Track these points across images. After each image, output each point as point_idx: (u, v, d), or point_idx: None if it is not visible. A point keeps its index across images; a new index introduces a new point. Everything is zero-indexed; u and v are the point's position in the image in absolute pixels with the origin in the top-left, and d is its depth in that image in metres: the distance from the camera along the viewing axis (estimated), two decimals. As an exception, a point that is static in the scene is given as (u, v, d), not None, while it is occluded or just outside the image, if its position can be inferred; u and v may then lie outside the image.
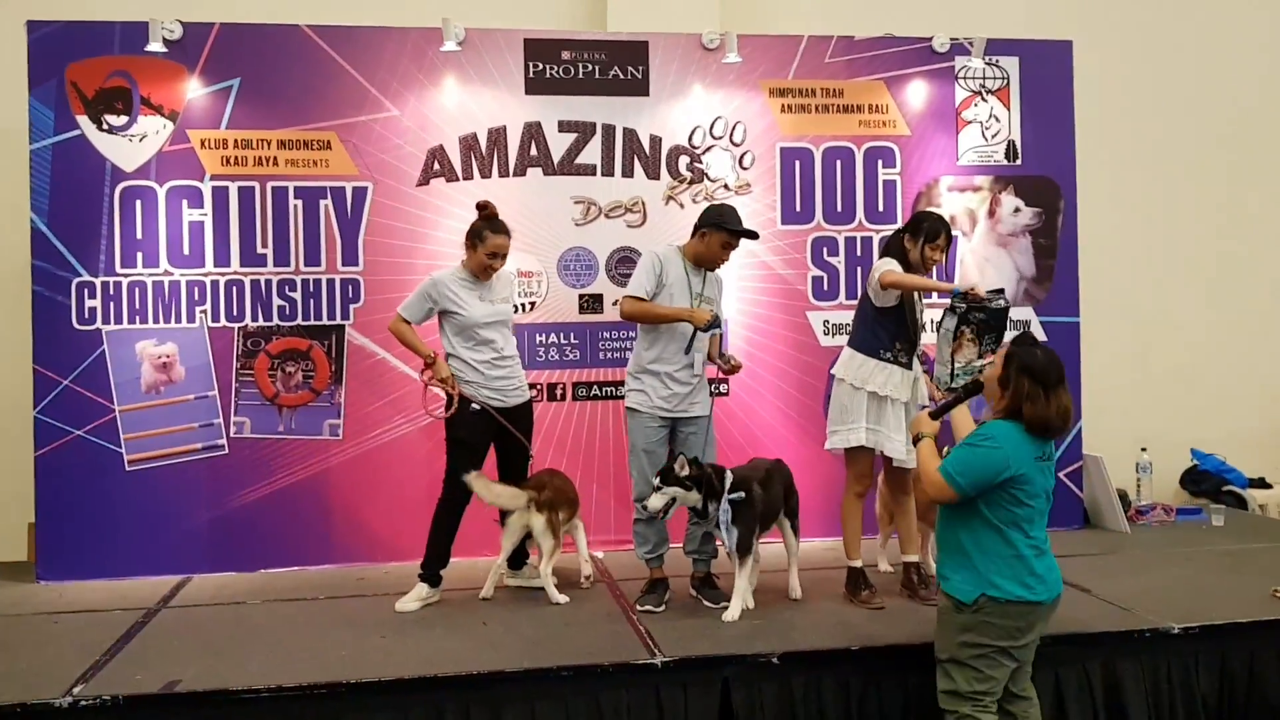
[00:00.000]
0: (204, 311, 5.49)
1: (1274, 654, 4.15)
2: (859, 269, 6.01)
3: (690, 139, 5.91)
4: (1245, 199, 7.30)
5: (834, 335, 5.91)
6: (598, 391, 5.81)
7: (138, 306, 5.43)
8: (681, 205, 5.86)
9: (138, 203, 5.43)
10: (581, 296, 5.82)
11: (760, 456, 4.92)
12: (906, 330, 4.64)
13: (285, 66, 5.54)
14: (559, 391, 5.79)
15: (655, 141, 5.87)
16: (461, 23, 5.62)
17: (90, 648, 4.09)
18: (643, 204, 5.86)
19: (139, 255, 5.43)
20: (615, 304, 4.72)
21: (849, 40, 6.05)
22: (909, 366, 4.65)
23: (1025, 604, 3.37)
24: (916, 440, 3.67)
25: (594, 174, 5.82)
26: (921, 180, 6.13)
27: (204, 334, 5.49)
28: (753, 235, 4.75)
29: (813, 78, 6.01)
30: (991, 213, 6.19)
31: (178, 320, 5.48)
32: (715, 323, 4.55)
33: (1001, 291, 4.54)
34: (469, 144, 5.70)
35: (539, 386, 5.75)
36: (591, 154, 5.81)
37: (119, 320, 5.41)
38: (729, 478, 4.36)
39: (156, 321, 5.46)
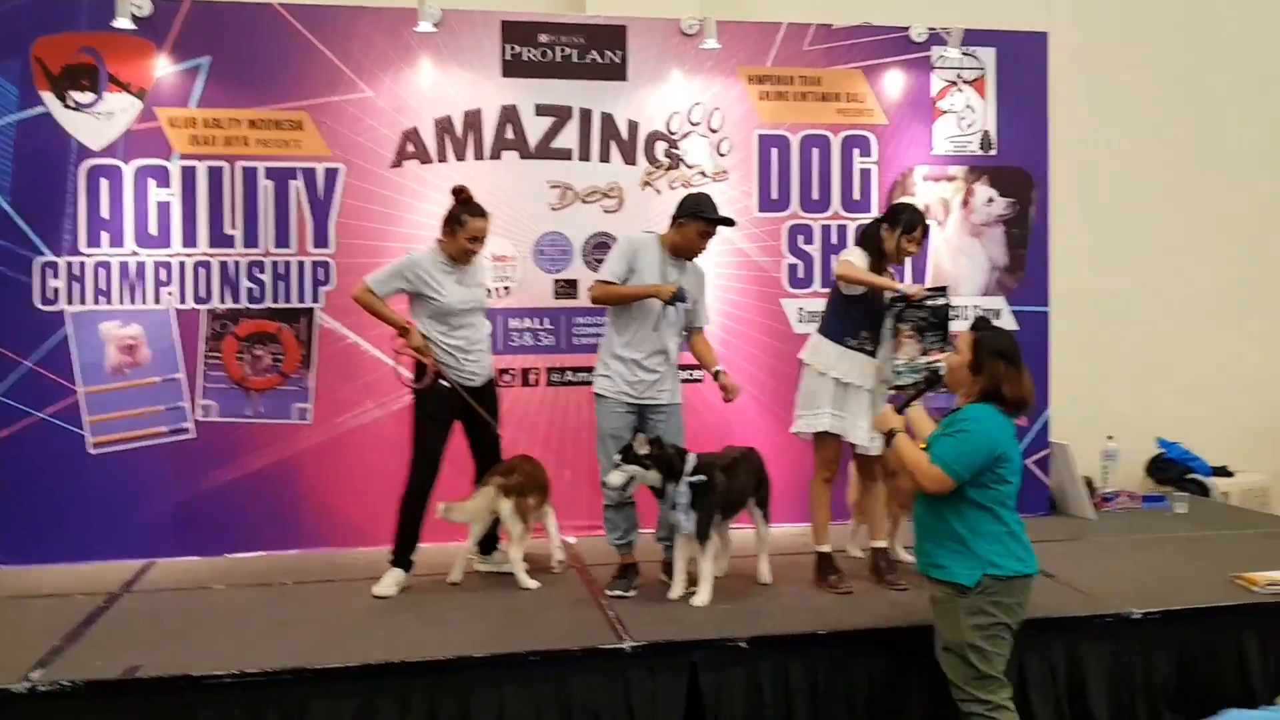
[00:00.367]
0: (171, 293, 5.42)
1: (1233, 639, 4.20)
2: (834, 257, 5.98)
3: (668, 125, 5.88)
4: (1215, 192, 7.35)
5: (808, 323, 5.90)
6: (571, 377, 5.78)
7: (103, 287, 5.34)
8: (659, 191, 5.83)
9: (104, 181, 5.34)
10: (557, 281, 5.78)
11: (734, 444, 4.90)
12: (873, 319, 4.64)
13: (257, 45, 5.46)
14: (533, 377, 5.76)
15: (633, 127, 5.84)
16: (437, 3, 5.55)
17: (50, 632, 4.02)
18: (620, 189, 5.82)
19: (104, 235, 5.35)
20: (590, 290, 4.71)
21: (827, 28, 6.03)
22: (874, 355, 4.66)
23: (1023, 578, 3.48)
24: (890, 437, 3.64)
25: (570, 158, 5.78)
26: (897, 169, 6.13)
27: (170, 316, 5.41)
28: (729, 223, 4.73)
29: (791, 65, 5.99)
30: (965, 202, 6.20)
31: (143, 301, 5.40)
32: (680, 296, 4.52)
33: (944, 290, 4.61)
34: (444, 126, 5.64)
35: (513, 371, 5.71)
36: (568, 138, 5.77)
37: (83, 301, 5.32)
38: (691, 460, 4.35)
39: (122, 302, 5.38)
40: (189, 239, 5.43)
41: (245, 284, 5.47)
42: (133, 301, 5.39)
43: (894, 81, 6.10)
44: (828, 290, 5.83)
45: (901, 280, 4.94)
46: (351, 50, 5.51)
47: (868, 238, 4.74)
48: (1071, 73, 6.69)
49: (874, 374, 4.67)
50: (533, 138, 5.72)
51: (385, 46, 5.55)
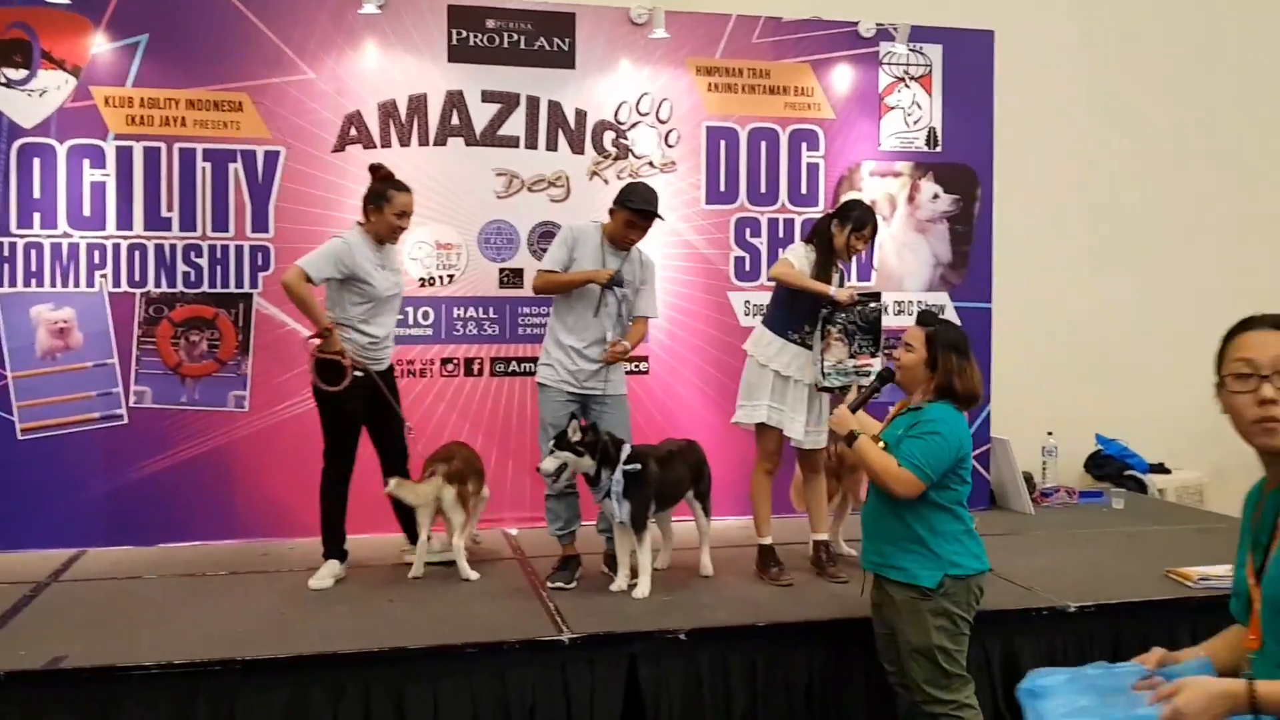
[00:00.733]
0: (104, 276, 5.29)
1: (1166, 632, 4.24)
2: (780, 250, 5.99)
3: (616, 114, 5.84)
4: (1156, 190, 7.45)
5: (754, 316, 5.89)
6: (516, 368, 5.73)
7: (34, 269, 5.21)
8: (606, 181, 5.79)
9: (36, 161, 5.21)
10: (502, 270, 5.72)
11: (675, 436, 4.89)
12: (817, 314, 4.64)
13: (196, 23, 5.34)
14: (476, 366, 5.70)
15: (580, 115, 5.79)
16: (382, -15, 5.49)
17: (-27, 621, 3.91)
18: (566, 178, 5.78)
19: (36, 215, 5.21)
20: (534, 280, 4.67)
21: (777, 21, 6.02)
22: (806, 345, 4.65)
23: (981, 574, 3.46)
24: (851, 439, 3.47)
25: (517, 146, 5.72)
26: (844, 164, 6.15)
27: (104, 299, 5.29)
28: (652, 215, 4.58)
29: (740, 57, 5.98)
30: (911, 198, 6.23)
31: (76, 284, 5.27)
32: (617, 280, 4.50)
33: (876, 295, 4.63)
34: (388, 111, 5.56)
35: (456, 361, 5.65)
36: (515, 126, 5.71)
37: (13, 283, 5.18)
38: (626, 450, 4.32)
39: (54, 285, 5.24)
40: (124, 221, 5.31)
41: (181, 268, 5.36)
42: (65, 284, 5.26)
43: (842, 76, 6.11)
44: (774, 284, 5.85)
45: (849, 277, 4.94)
46: (294, 31, 5.41)
47: (818, 234, 4.73)
48: (1018, 70, 6.74)
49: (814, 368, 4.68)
50: (479, 124, 5.65)
51: (328, 28, 5.45)
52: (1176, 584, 4.50)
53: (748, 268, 6.01)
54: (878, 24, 6.11)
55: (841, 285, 4.77)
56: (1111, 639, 4.23)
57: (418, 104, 5.59)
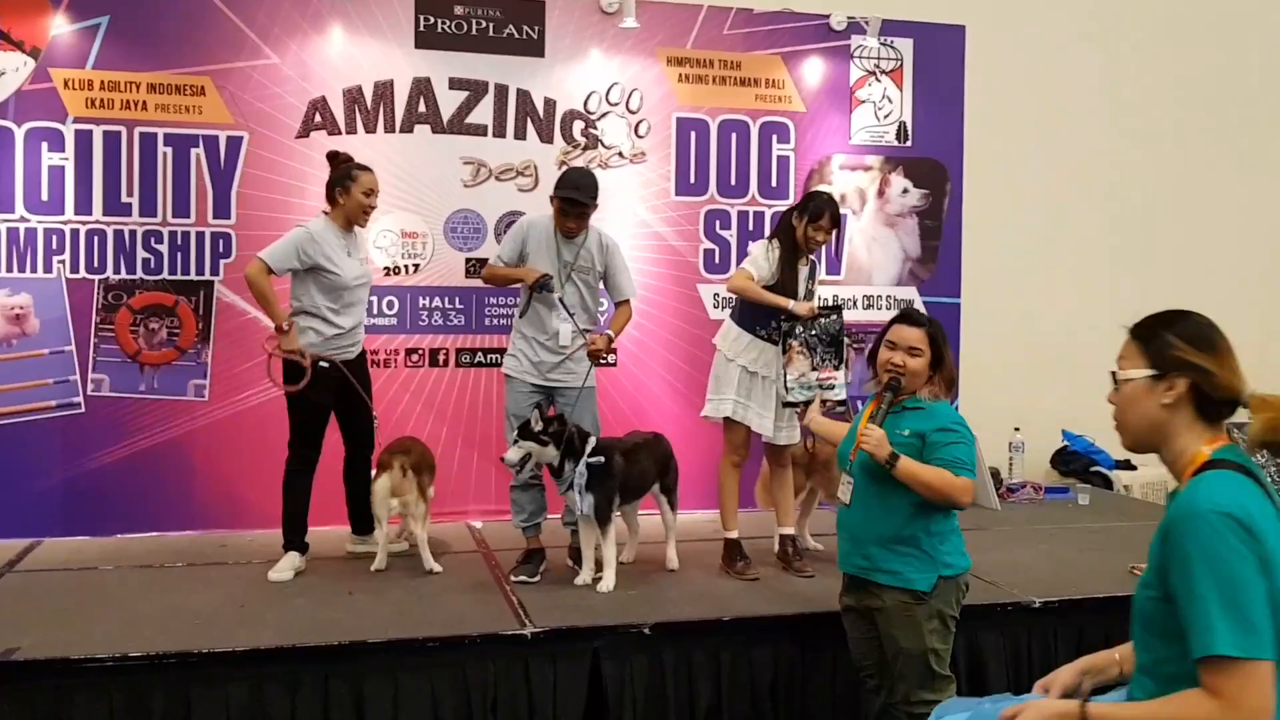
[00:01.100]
0: (62, 261, 5.20)
1: (1129, 629, 4.25)
2: (750, 243, 5.96)
3: (585, 104, 5.80)
4: (1125, 186, 7.48)
5: (723, 308, 5.87)
6: (481, 358, 5.68)
7: (-11, 253, 5.12)
8: (573, 171, 5.75)
9: (-8, 143, 5.11)
10: (468, 260, 5.66)
11: (642, 429, 4.87)
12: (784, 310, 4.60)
13: (158, 5, 5.26)
14: (441, 357, 5.64)
15: (550, 104, 5.74)
16: (349, -30, 5.41)
17: (-78, 613, 3.83)
18: (535, 168, 5.73)
19: (-8, 199, 5.12)
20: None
21: (748, 13, 6.00)
22: (773, 342, 4.60)
23: (967, 571, 3.41)
24: (891, 462, 3.21)
25: (485, 134, 5.67)
26: (814, 157, 6.14)
27: (61, 285, 5.19)
28: (576, 202, 4.44)
29: (711, 49, 5.95)
30: (881, 192, 6.23)
31: (33, 270, 5.17)
32: (544, 284, 4.44)
33: (838, 309, 4.58)
34: (353, 97, 5.49)
35: (421, 351, 5.59)
36: (483, 114, 5.66)
37: (-32, 267, 5.09)
38: (592, 441, 4.29)
39: (10, 270, 5.15)
40: (83, 206, 5.22)
41: (141, 254, 5.27)
42: (21, 269, 5.17)
43: (813, 69, 6.09)
44: (748, 256, 5.83)
45: (819, 269, 4.90)
46: (258, 14, 5.33)
47: (781, 228, 4.70)
48: (989, 66, 6.74)
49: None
50: (446, 112, 5.59)
51: (293, 12, 5.37)
52: (1140, 580, 4.52)
53: (717, 260, 5.99)
54: (849, 17, 6.10)
55: (813, 276, 4.75)
56: (1076, 634, 4.24)
57: (384, 90, 5.52)
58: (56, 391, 5.20)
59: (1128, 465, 7.17)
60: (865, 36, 6.12)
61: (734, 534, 4.66)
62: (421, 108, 5.57)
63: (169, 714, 3.42)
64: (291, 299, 4.54)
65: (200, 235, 5.32)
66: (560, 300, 4.49)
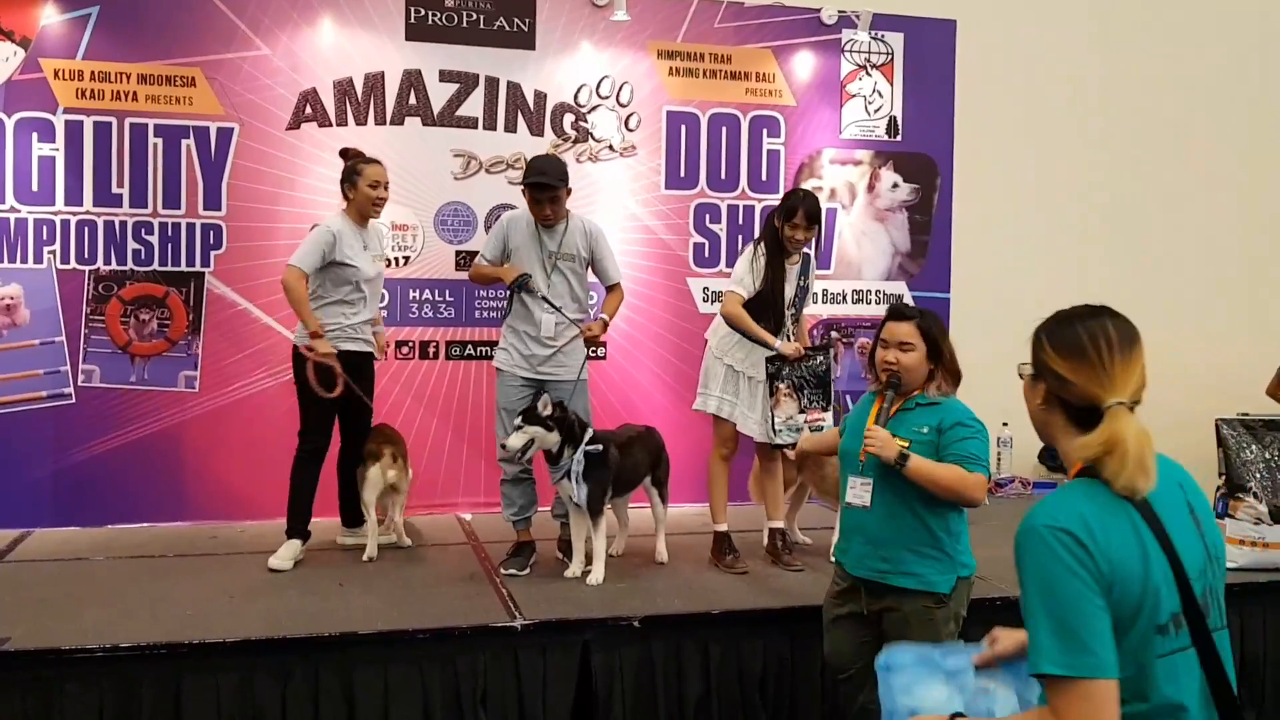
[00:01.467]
0: (52, 252, 5.19)
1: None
2: (740, 237, 6.00)
3: (576, 97, 5.80)
4: (1116, 181, 7.50)
5: (713, 302, 5.88)
6: (471, 351, 5.69)
7: (-21, 244, 5.11)
8: (564, 164, 5.75)
9: (-19, 133, 5.10)
10: (458, 253, 5.66)
11: (632, 423, 4.88)
12: (771, 310, 4.61)
13: (148, -5, 5.24)
14: (432, 349, 5.65)
15: (540, 97, 5.74)
16: (340, -39, 5.40)
17: (-88, 603, 3.83)
18: (525, 160, 5.70)
19: (-18, 189, 5.11)
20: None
21: (739, 6, 6.00)
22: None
23: (974, 570, 3.32)
24: (901, 461, 3.13)
25: (475, 127, 5.67)
26: (805, 151, 6.15)
27: (52, 276, 5.19)
28: (546, 187, 4.43)
29: (702, 42, 5.95)
30: (871, 187, 6.24)
31: (24, 260, 5.16)
32: (522, 284, 4.46)
33: (825, 349, 4.59)
34: (344, 88, 5.48)
35: (411, 344, 5.60)
36: (473, 106, 5.65)
37: (-42, 258, 5.08)
38: (590, 431, 4.32)
39: (0, 261, 5.13)
40: (73, 197, 5.21)
41: (132, 245, 5.26)
42: (12, 260, 5.16)
43: (804, 63, 6.10)
44: (733, 271, 5.83)
45: (812, 265, 4.88)
46: (248, 5, 5.32)
47: (767, 230, 4.69)
48: (980, 61, 6.76)
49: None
50: (436, 104, 5.59)
51: (284, 3, 5.36)
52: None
53: (707, 254, 6.00)
54: (840, 11, 6.11)
55: (806, 272, 4.76)
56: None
57: (375, 82, 5.52)
58: (47, 382, 5.19)
59: (1114, 460, 7.21)
60: (856, 30, 6.13)
61: (723, 527, 4.68)
62: (412, 100, 5.57)
63: (159, 704, 3.43)
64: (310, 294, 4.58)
65: (191, 226, 5.32)
66: (543, 298, 4.50)
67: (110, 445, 5.25)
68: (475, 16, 5.61)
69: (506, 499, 4.62)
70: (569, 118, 5.79)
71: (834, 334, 6.14)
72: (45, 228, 5.18)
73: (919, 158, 6.29)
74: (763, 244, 4.65)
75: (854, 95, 6.19)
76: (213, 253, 5.34)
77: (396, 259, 5.55)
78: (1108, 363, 1.85)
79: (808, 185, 6.04)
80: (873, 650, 3.25)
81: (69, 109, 5.19)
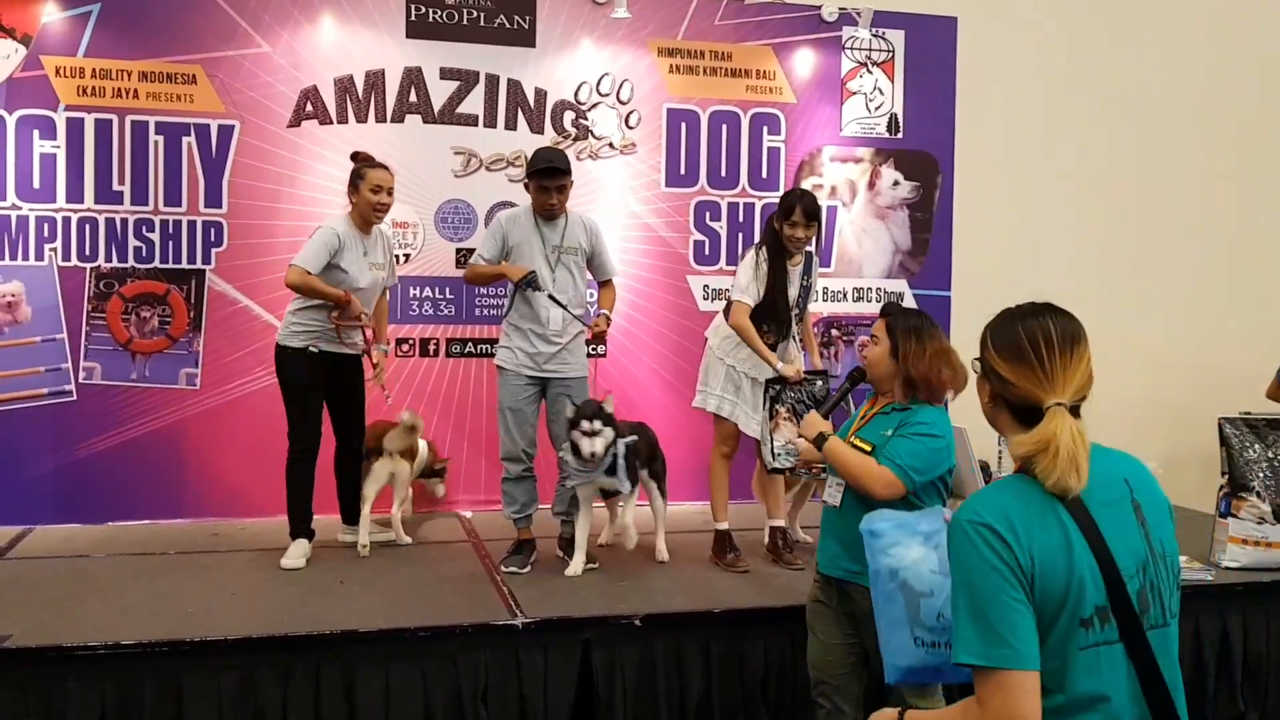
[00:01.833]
0: (54, 249, 5.19)
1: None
2: (740, 235, 6.01)
3: (576, 94, 5.80)
4: (1118, 178, 7.50)
5: (713, 300, 5.89)
6: (472, 349, 5.69)
7: (-20, 241, 5.11)
8: (564, 162, 5.75)
9: (-17, 130, 5.10)
10: (459, 250, 5.67)
11: (632, 421, 4.88)
12: (774, 312, 4.61)
13: (149, -7, 5.24)
14: (432, 347, 5.65)
15: (540, 95, 5.74)
16: (340, -41, 5.40)
17: (-85, 601, 3.83)
18: (525, 158, 5.69)
19: (-17, 186, 5.10)
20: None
21: (739, 3, 6.00)
22: (773, 348, 4.61)
23: None
24: (819, 441, 3.25)
25: (476, 124, 5.67)
26: (805, 149, 6.14)
27: (53, 273, 5.19)
28: (558, 172, 4.46)
29: (702, 39, 5.95)
30: (871, 185, 6.24)
31: (25, 257, 5.17)
32: (530, 281, 4.44)
33: (823, 373, 4.57)
34: (344, 86, 5.48)
35: (411, 341, 5.60)
36: (474, 104, 5.65)
37: (-41, 255, 5.08)
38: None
39: (1, 258, 5.14)
40: (74, 194, 5.21)
41: (133, 243, 5.27)
42: (13, 257, 5.16)
43: (804, 60, 6.10)
44: (734, 268, 5.83)
45: (815, 264, 4.88)
46: (249, 2, 5.32)
47: (768, 232, 4.66)
48: (981, 58, 6.76)
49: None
50: (437, 102, 5.59)
51: (285, 1, 5.36)
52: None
53: (707, 251, 6.00)
54: (840, 8, 6.11)
55: (809, 271, 4.76)
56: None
57: (375, 80, 5.52)
58: (48, 379, 5.20)
59: (1116, 457, 7.20)
60: (857, 28, 6.13)
61: (724, 525, 4.68)
62: (412, 97, 5.57)
63: (160, 702, 3.43)
64: None
65: (192, 224, 5.32)
66: (551, 296, 4.50)
67: (111, 442, 5.25)
68: (475, 14, 5.60)
69: (508, 497, 4.62)
70: (569, 115, 5.79)
71: (834, 331, 6.14)
72: (46, 225, 5.18)
73: (920, 155, 6.29)
74: (764, 248, 4.63)
75: (855, 92, 6.19)
76: (214, 250, 5.34)
77: (397, 256, 5.54)
78: (1047, 364, 1.89)
79: (808, 183, 6.05)
80: (850, 652, 3.23)
81: (70, 106, 5.19)
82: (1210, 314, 7.35)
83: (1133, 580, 1.81)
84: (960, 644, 1.78)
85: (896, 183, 6.25)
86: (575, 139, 5.79)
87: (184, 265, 5.32)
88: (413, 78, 5.56)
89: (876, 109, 6.22)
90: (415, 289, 5.61)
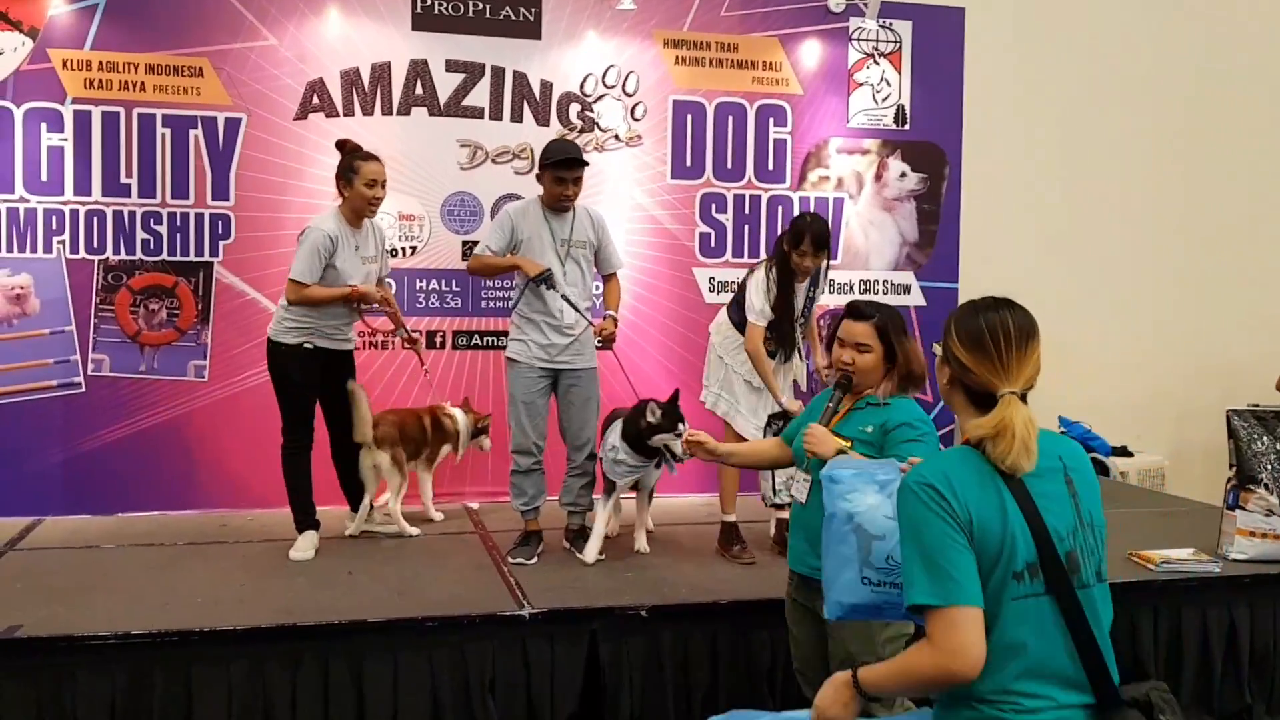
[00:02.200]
0: (62, 242, 5.21)
1: (1127, 615, 4.27)
2: (746, 227, 6.01)
3: (582, 86, 5.80)
4: (1125, 170, 7.48)
5: (719, 292, 5.90)
6: (479, 341, 5.70)
7: (-11, 234, 5.13)
8: (571, 154, 5.75)
9: (-10, 123, 5.11)
10: (465, 243, 5.67)
11: (621, 408, 4.86)
12: (780, 331, 4.61)
13: (156, -15, 5.25)
14: (439, 339, 5.66)
15: (546, 87, 5.74)
16: (347, -49, 5.40)
17: (-75, 591, 3.85)
18: (531, 150, 5.73)
19: (-9, 179, 5.12)
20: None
21: (745, -6, 5.99)
22: (773, 356, 4.62)
23: None
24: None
25: (481, 117, 5.67)
26: (812, 141, 6.14)
27: (61, 265, 5.21)
28: (576, 163, 4.47)
29: (708, 31, 5.95)
30: (878, 176, 6.24)
31: (33, 250, 5.19)
32: (545, 278, 4.44)
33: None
34: (351, 79, 5.49)
35: (418, 333, 5.60)
36: (479, 96, 5.66)
37: (-32, 248, 5.10)
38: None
39: (10, 251, 5.16)
40: (82, 187, 5.23)
41: (141, 235, 5.29)
42: (22, 250, 5.18)
43: (811, 51, 6.09)
44: (740, 261, 5.85)
45: (821, 276, 4.85)
46: (256, -5, 5.33)
47: (777, 253, 4.62)
48: (989, 50, 6.74)
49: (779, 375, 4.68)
50: (443, 94, 5.60)
51: (291, -7, 5.38)
52: (1139, 566, 4.49)
53: (713, 244, 6.00)
54: (848, -1, 6.10)
55: (816, 284, 4.75)
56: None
57: (381, 72, 5.52)
58: (57, 371, 5.22)
59: (1124, 452, 7.18)
60: (864, 19, 6.12)
61: (732, 518, 4.69)
62: (418, 90, 5.57)
63: (170, 692, 3.45)
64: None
65: (199, 216, 5.34)
66: (564, 297, 4.50)
67: (120, 434, 5.28)
68: (481, 6, 5.61)
69: (517, 489, 4.63)
70: (575, 107, 5.79)
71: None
72: (54, 218, 5.20)
73: (927, 147, 6.28)
74: (774, 269, 4.58)
75: (861, 84, 6.18)
76: (221, 242, 5.36)
77: (403, 249, 5.56)
78: (1005, 356, 2.09)
79: (814, 175, 6.05)
80: (822, 649, 3.15)
81: (77, 99, 5.21)
82: (1218, 306, 7.34)
83: (1063, 542, 2.02)
84: (913, 588, 1.96)
85: (903, 174, 6.25)
86: (581, 131, 5.79)
87: (192, 258, 5.34)
88: (418, 70, 5.56)
89: (883, 100, 6.21)
90: (421, 282, 5.62)
